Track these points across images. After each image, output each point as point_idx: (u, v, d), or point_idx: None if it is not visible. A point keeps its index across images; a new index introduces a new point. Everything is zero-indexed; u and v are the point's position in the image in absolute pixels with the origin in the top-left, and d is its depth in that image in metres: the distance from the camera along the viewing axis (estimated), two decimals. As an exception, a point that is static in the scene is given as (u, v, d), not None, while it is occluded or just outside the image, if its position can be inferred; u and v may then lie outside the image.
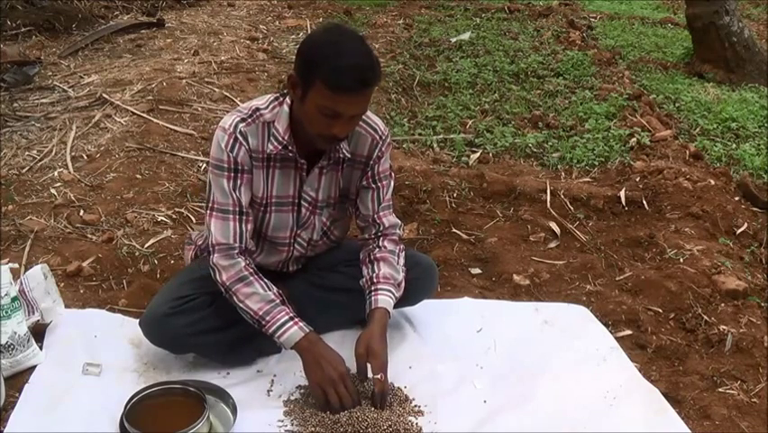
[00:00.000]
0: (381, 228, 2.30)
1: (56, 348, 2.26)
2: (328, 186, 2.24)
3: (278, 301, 2.10)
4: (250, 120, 2.10)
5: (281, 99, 2.13)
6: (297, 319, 2.09)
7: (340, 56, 1.91)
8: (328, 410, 2.02)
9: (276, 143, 2.10)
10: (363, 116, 2.18)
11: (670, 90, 5.42)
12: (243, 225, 2.12)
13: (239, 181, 2.11)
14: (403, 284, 2.27)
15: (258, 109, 2.12)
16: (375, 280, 2.21)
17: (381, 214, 2.30)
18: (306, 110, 1.99)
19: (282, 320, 2.07)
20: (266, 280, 2.13)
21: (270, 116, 2.11)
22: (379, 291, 2.19)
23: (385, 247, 2.28)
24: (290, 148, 2.11)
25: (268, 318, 2.07)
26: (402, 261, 2.31)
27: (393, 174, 2.36)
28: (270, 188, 2.18)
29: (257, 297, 2.09)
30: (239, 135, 2.08)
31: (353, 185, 2.29)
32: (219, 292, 2.15)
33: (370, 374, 2.10)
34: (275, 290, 2.12)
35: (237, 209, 2.11)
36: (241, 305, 2.10)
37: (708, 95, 5.36)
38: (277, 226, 2.24)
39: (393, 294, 2.21)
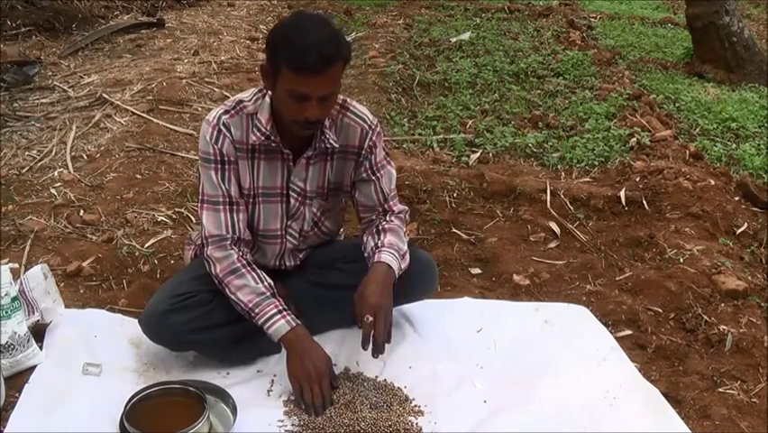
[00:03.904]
0: (390, 214, 2.32)
1: (56, 348, 2.26)
2: (317, 176, 2.24)
3: (268, 294, 2.11)
4: (233, 112, 2.12)
5: (264, 92, 2.14)
6: (285, 313, 2.10)
7: (299, 38, 1.92)
8: (302, 406, 2.03)
9: (258, 134, 2.10)
10: (351, 107, 2.20)
11: (670, 90, 5.42)
12: (235, 215, 2.14)
13: (227, 173, 2.12)
14: (408, 257, 2.27)
15: (241, 101, 2.14)
16: (380, 246, 2.21)
17: (391, 203, 2.32)
18: (278, 97, 2.01)
19: (271, 313, 2.08)
20: (259, 272, 2.14)
21: (253, 108, 2.12)
22: (383, 252, 2.19)
23: (392, 221, 2.30)
24: (273, 138, 2.11)
25: (257, 310, 2.09)
26: (406, 239, 2.31)
27: (392, 162, 2.36)
28: (257, 179, 2.18)
29: (248, 289, 2.10)
30: (222, 127, 2.10)
31: (347, 177, 2.29)
32: (219, 290, 2.15)
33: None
34: (267, 282, 2.13)
35: (227, 200, 2.13)
36: (232, 297, 2.11)
37: (708, 95, 5.36)
38: (267, 219, 2.24)
39: (396, 258, 2.20)
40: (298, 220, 2.29)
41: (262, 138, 2.11)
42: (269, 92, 2.10)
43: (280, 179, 2.20)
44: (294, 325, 2.09)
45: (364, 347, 2.08)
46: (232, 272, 2.11)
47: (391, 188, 2.33)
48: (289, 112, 2.01)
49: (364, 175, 2.27)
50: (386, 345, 2.12)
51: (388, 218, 2.31)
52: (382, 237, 2.24)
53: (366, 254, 2.25)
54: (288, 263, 2.38)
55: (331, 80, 1.98)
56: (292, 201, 2.24)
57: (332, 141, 2.16)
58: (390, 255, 2.19)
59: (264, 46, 2.04)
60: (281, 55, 1.93)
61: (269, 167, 2.18)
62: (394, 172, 2.35)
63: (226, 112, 2.12)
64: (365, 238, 2.30)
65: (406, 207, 2.40)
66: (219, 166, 2.12)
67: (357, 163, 2.26)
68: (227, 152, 2.11)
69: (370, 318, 2.07)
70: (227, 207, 2.13)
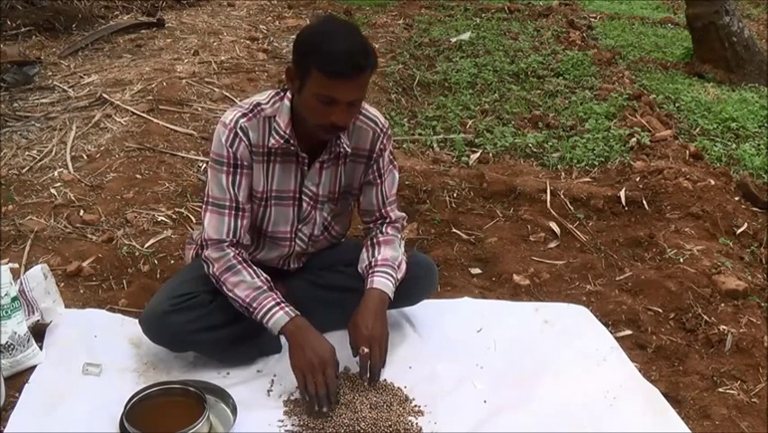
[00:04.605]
0: (387, 220, 2.33)
1: (56, 348, 2.26)
2: (329, 181, 2.24)
3: (265, 288, 2.10)
4: (251, 115, 2.11)
5: (282, 94, 2.14)
6: (283, 304, 2.09)
7: (333, 43, 1.92)
8: (306, 397, 2.02)
9: (277, 137, 2.10)
10: (362, 110, 2.19)
11: (670, 90, 5.42)
12: (239, 221, 2.13)
13: (238, 177, 2.12)
14: (404, 266, 2.28)
15: (259, 104, 2.13)
16: (373, 264, 2.22)
17: (389, 209, 2.33)
18: (305, 100, 2.00)
19: (269, 306, 2.08)
20: (254, 268, 2.14)
21: (271, 111, 2.12)
22: (376, 273, 2.20)
23: (387, 232, 2.31)
24: (292, 142, 2.11)
25: (255, 305, 2.08)
26: (403, 248, 2.33)
27: (396, 165, 2.36)
28: (270, 182, 2.18)
29: (244, 285, 2.10)
30: (239, 131, 2.09)
31: (357, 180, 2.29)
32: (219, 290, 2.15)
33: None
34: (263, 277, 2.12)
35: (233, 205, 2.12)
36: (230, 294, 2.11)
37: (708, 95, 5.37)
38: (277, 221, 2.24)
39: (391, 276, 2.21)
40: (309, 224, 2.29)
41: (281, 141, 2.10)
42: (290, 95, 2.09)
43: (294, 183, 2.20)
44: (293, 315, 2.08)
45: (362, 378, 2.11)
46: (228, 270, 2.11)
47: (392, 192, 2.33)
48: (316, 116, 2.00)
49: (370, 177, 2.27)
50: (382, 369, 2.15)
51: (383, 230, 2.31)
52: (376, 253, 2.25)
53: (360, 271, 2.26)
54: (292, 265, 2.39)
55: (361, 86, 1.99)
56: (304, 205, 2.24)
57: (345, 145, 2.17)
58: (383, 276, 2.20)
59: (293, 48, 2.04)
60: (312, 58, 1.93)
61: (283, 170, 2.18)
62: (397, 176, 2.36)
63: (244, 115, 2.11)
64: (361, 251, 2.30)
65: (404, 214, 2.40)
66: (231, 170, 2.11)
67: (367, 166, 2.26)
68: (241, 157, 2.10)
69: (365, 350, 2.09)
70: (232, 213, 2.12)
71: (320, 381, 2.01)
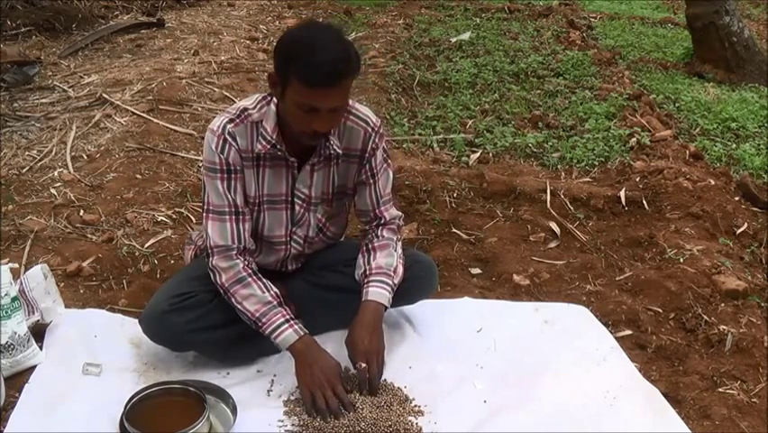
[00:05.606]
0: (382, 221, 2.32)
1: (56, 348, 2.26)
2: (321, 183, 2.24)
3: (275, 303, 2.10)
4: (238, 120, 2.11)
5: (269, 99, 2.13)
6: (293, 322, 2.10)
7: (312, 51, 1.91)
8: (314, 414, 2.02)
9: (264, 143, 2.10)
10: (353, 110, 2.19)
11: (670, 90, 5.42)
12: (241, 225, 2.13)
13: (233, 182, 2.11)
14: (400, 270, 2.28)
15: (246, 109, 2.12)
16: (368, 273, 2.23)
17: (383, 208, 2.32)
18: (287, 107, 2.00)
19: (278, 322, 2.08)
20: (264, 281, 2.13)
21: (258, 116, 2.11)
22: (371, 283, 2.21)
23: (383, 236, 2.30)
24: (279, 147, 2.11)
25: (264, 320, 2.08)
26: (400, 249, 2.32)
27: (391, 164, 2.36)
28: (261, 186, 2.18)
29: (254, 298, 2.09)
30: (227, 136, 2.08)
31: (351, 180, 2.29)
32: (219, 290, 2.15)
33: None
34: (273, 291, 2.13)
35: (233, 210, 2.12)
36: (238, 306, 2.10)
37: (708, 95, 5.37)
38: (272, 225, 2.24)
39: (387, 284, 2.21)
40: (303, 227, 2.29)
41: (268, 147, 2.10)
42: (276, 99, 2.09)
43: (285, 186, 2.20)
44: (302, 334, 2.09)
45: (361, 392, 2.11)
46: (238, 282, 2.11)
47: (386, 191, 2.32)
48: (298, 123, 2.00)
49: (364, 177, 2.27)
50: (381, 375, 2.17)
51: (379, 233, 2.31)
52: (371, 259, 2.25)
53: (357, 278, 2.26)
54: (290, 267, 2.38)
55: (341, 94, 1.98)
56: (297, 208, 2.23)
57: (335, 147, 2.16)
58: (378, 286, 2.20)
59: (272, 53, 2.02)
60: (292, 67, 1.92)
61: (273, 174, 2.17)
62: (391, 175, 2.35)
63: (231, 120, 2.10)
64: (358, 257, 2.30)
65: (400, 213, 2.39)
66: (225, 175, 2.10)
67: (360, 166, 2.25)
68: (233, 162, 2.10)
69: (363, 365, 2.10)
70: (233, 218, 2.12)
71: (330, 396, 2.03)
